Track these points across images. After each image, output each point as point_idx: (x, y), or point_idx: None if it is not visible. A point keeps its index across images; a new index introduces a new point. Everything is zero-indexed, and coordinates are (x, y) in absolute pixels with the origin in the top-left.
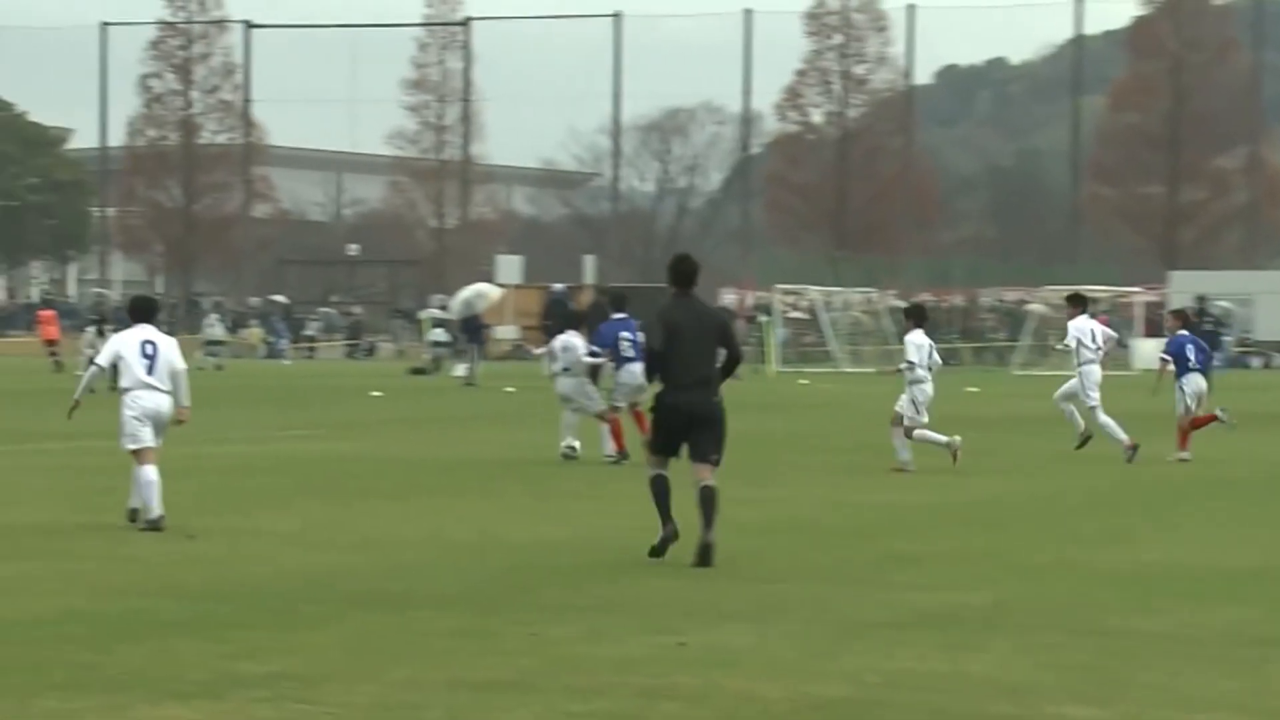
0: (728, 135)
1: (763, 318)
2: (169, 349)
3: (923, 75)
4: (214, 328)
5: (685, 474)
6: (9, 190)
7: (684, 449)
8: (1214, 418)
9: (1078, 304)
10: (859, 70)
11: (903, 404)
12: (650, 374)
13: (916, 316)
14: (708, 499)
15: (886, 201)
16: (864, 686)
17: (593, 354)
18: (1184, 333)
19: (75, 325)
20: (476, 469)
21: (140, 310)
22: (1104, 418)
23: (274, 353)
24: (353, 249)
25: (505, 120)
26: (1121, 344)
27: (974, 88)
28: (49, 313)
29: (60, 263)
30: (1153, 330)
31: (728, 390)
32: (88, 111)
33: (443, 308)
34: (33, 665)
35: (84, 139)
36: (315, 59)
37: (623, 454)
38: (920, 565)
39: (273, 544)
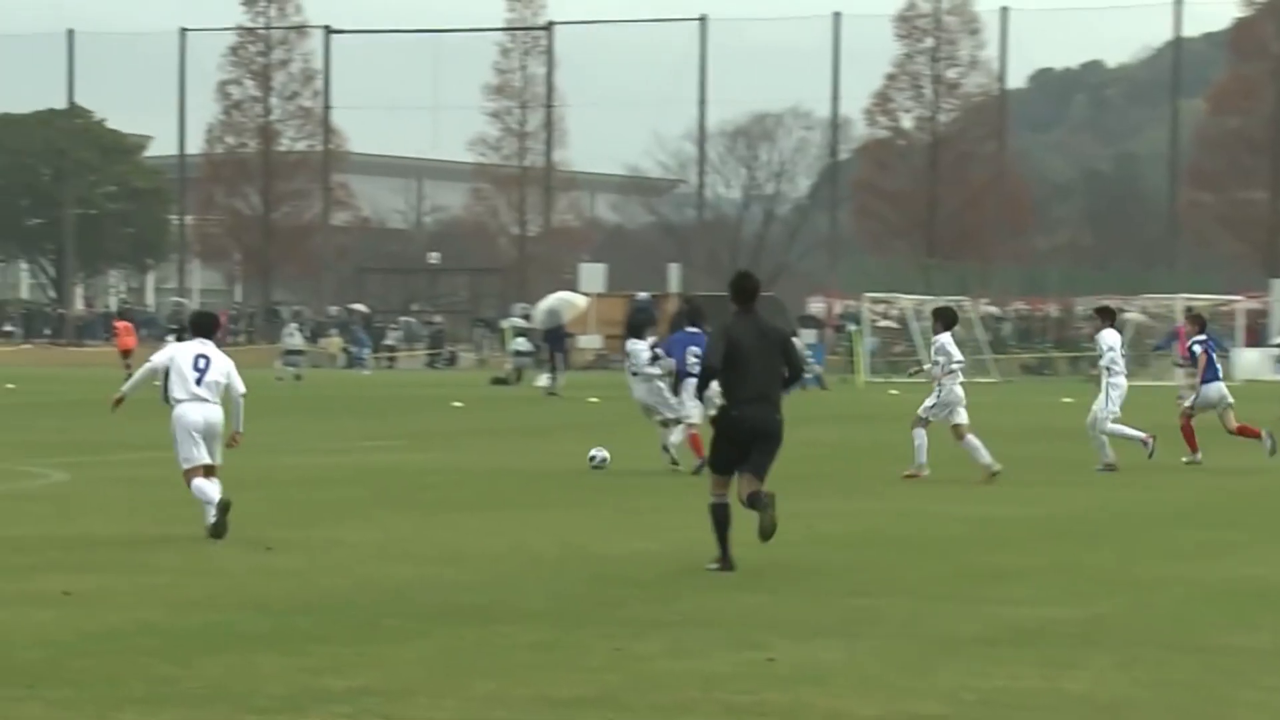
0: (816, 141)
1: (851, 327)
2: (225, 367)
3: (1016, 79)
4: (293, 337)
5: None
6: (87, 198)
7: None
8: (1257, 433)
9: (1107, 316)
10: (951, 74)
11: (929, 405)
12: (701, 389)
13: (946, 319)
14: (757, 499)
15: (978, 208)
16: (959, 705)
17: (654, 360)
18: (1202, 337)
19: (154, 335)
20: (559, 481)
21: (200, 325)
22: (1112, 427)
23: (354, 362)
24: (434, 257)
25: (588, 126)
26: (1223, 353)
27: (1069, 91)
28: (125, 323)
29: (138, 271)
30: (1254, 339)
31: (810, 401)
32: (166, 118)
33: (525, 317)
34: (111, 678)
35: (162, 146)
36: (396, 64)
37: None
38: (1013, 579)
39: (353, 556)
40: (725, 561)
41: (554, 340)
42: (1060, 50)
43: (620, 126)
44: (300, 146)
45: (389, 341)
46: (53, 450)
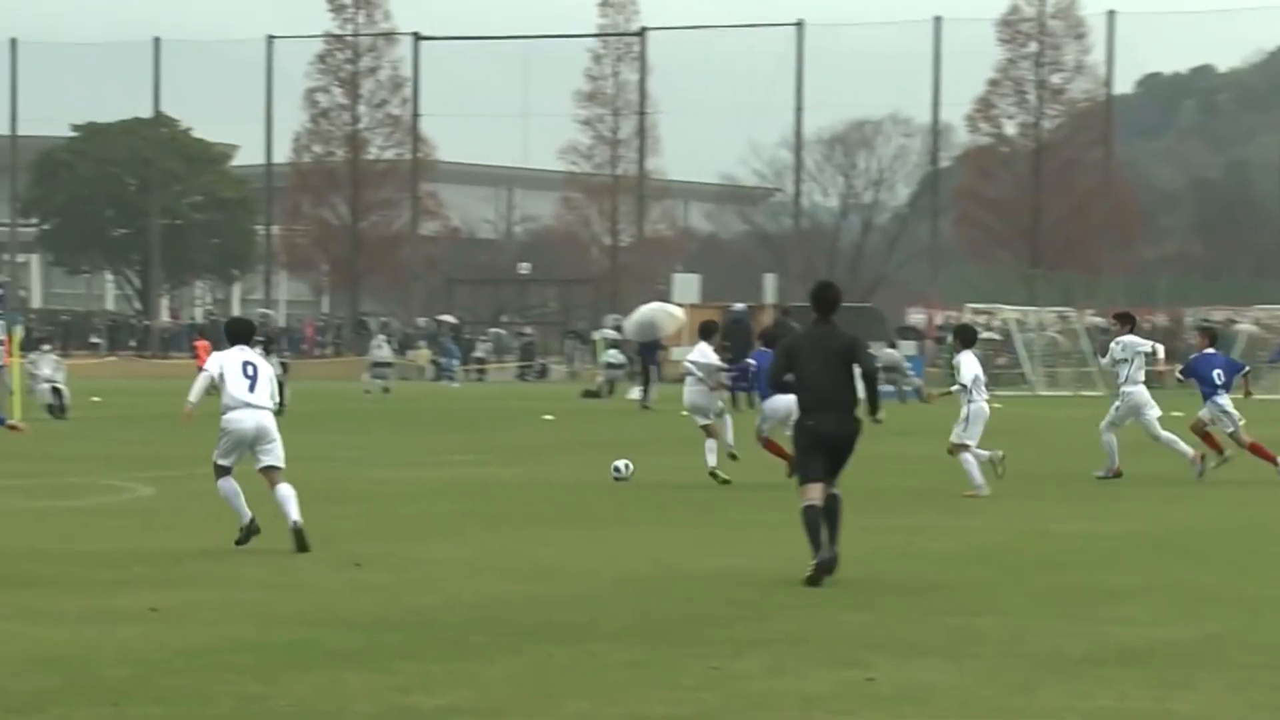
0: (916, 148)
1: (952, 338)
2: (270, 373)
3: (1123, 84)
4: (381, 349)
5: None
6: (173, 208)
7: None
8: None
9: (1127, 322)
10: (1055, 79)
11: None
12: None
13: (965, 337)
14: (832, 509)
15: (1084, 217)
16: None
17: (724, 369)
18: (1212, 351)
19: None
20: (652, 496)
21: (238, 332)
22: (1111, 437)
23: (443, 375)
24: (524, 267)
25: (682, 133)
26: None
27: (1178, 97)
28: (204, 343)
29: (224, 282)
30: None
31: (911, 414)
32: (253, 127)
33: (617, 328)
34: (199, 695)
35: (249, 155)
36: (485, 71)
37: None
38: (1121, 597)
39: (443, 572)
40: (820, 556)
41: (647, 353)
42: (1169, 54)
43: (714, 133)
44: (389, 155)
45: (478, 353)
46: (138, 464)
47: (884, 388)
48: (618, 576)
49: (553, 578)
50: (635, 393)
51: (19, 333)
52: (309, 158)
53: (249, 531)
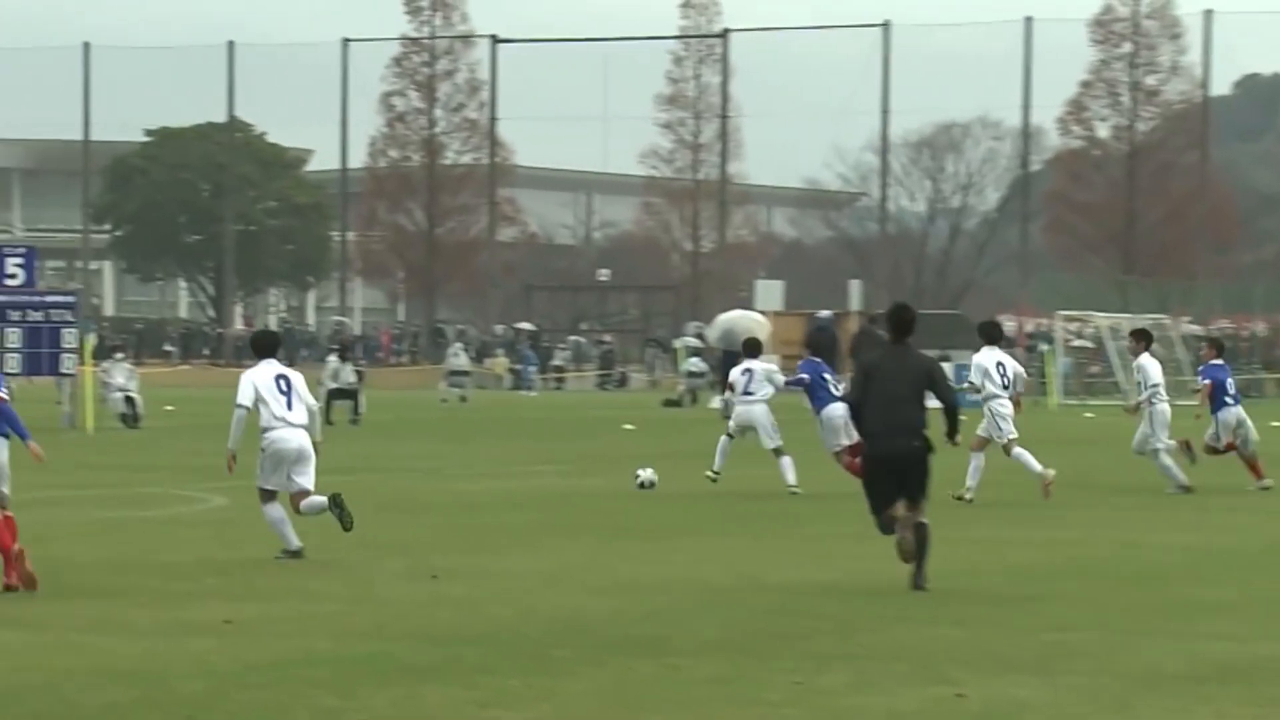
0: (1005, 151)
1: (1043, 347)
2: (302, 385)
3: (1221, 85)
4: (458, 357)
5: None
6: (247, 214)
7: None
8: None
9: (1143, 339)
10: (1150, 81)
11: (987, 427)
12: (856, 423)
13: (988, 335)
14: (921, 537)
15: (1180, 221)
16: None
17: (792, 383)
18: (1219, 363)
19: (314, 356)
20: (735, 507)
21: (264, 346)
22: (1166, 459)
23: (521, 383)
24: (603, 274)
25: (765, 137)
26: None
27: (1278, 98)
28: None
29: (299, 290)
30: None
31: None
32: (328, 132)
33: (699, 336)
34: (274, 710)
35: (324, 160)
36: (564, 74)
37: None
38: (1219, 613)
39: (522, 585)
40: (919, 576)
41: (730, 361)
42: (1269, 54)
43: (798, 137)
44: (465, 160)
45: (557, 362)
46: (211, 474)
47: (971, 397)
48: (698, 589)
49: (633, 590)
50: (717, 402)
51: (92, 341)
52: (385, 162)
53: (291, 556)
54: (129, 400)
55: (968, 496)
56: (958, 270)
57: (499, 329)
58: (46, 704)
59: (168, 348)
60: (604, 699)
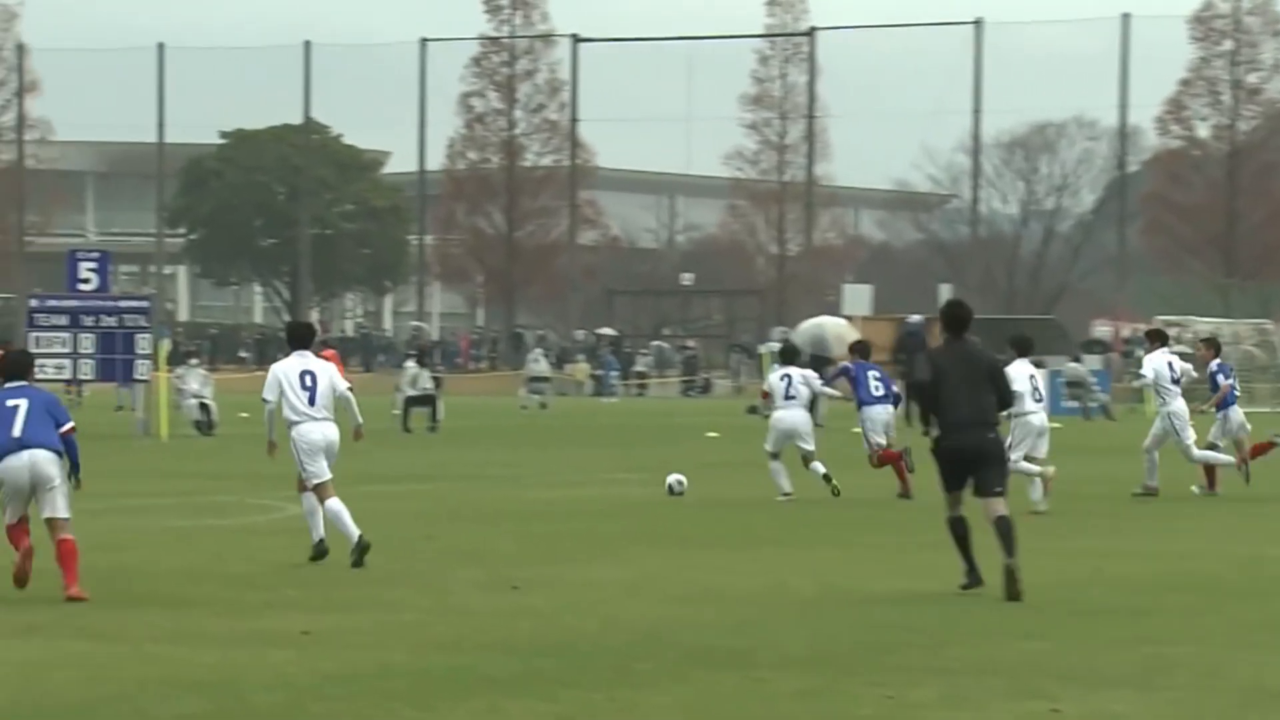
0: (1101, 152)
1: (1140, 352)
2: (329, 375)
3: None
4: (538, 363)
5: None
6: (323, 218)
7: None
8: (1271, 444)
9: (1156, 339)
10: (1252, 79)
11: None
12: (925, 417)
13: (1020, 347)
14: (1004, 530)
15: None
16: None
17: (834, 377)
18: (1219, 362)
19: (392, 361)
20: (819, 516)
21: (298, 337)
22: (1199, 453)
23: (602, 389)
24: (687, 278)
25: (852, 138)
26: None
27: None
28: (331, 351)
29: (376, 294)
30: None
31: (1097, 432)
32: (406, 133)
33: (784, 341)
34: None
35: (401, 162)
36: (647, 74)
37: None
38: None
39: (603, 595)
40: (973, 576)
41: (816, 367)
42: None
43: (887, 138)
44: (546, 161)
45: (639, 367)
46: (287, 482)
47: (1068, 404)
48: (784, 600)
49: (717, 601)
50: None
51: (166, 347)
52: (463, 165)
53: (319, 551)
54: (204, 407)
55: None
56: (1051, 274)
57: (579, 334)
58: (120, 715)
59: (242, 353)
60: (688, 713)
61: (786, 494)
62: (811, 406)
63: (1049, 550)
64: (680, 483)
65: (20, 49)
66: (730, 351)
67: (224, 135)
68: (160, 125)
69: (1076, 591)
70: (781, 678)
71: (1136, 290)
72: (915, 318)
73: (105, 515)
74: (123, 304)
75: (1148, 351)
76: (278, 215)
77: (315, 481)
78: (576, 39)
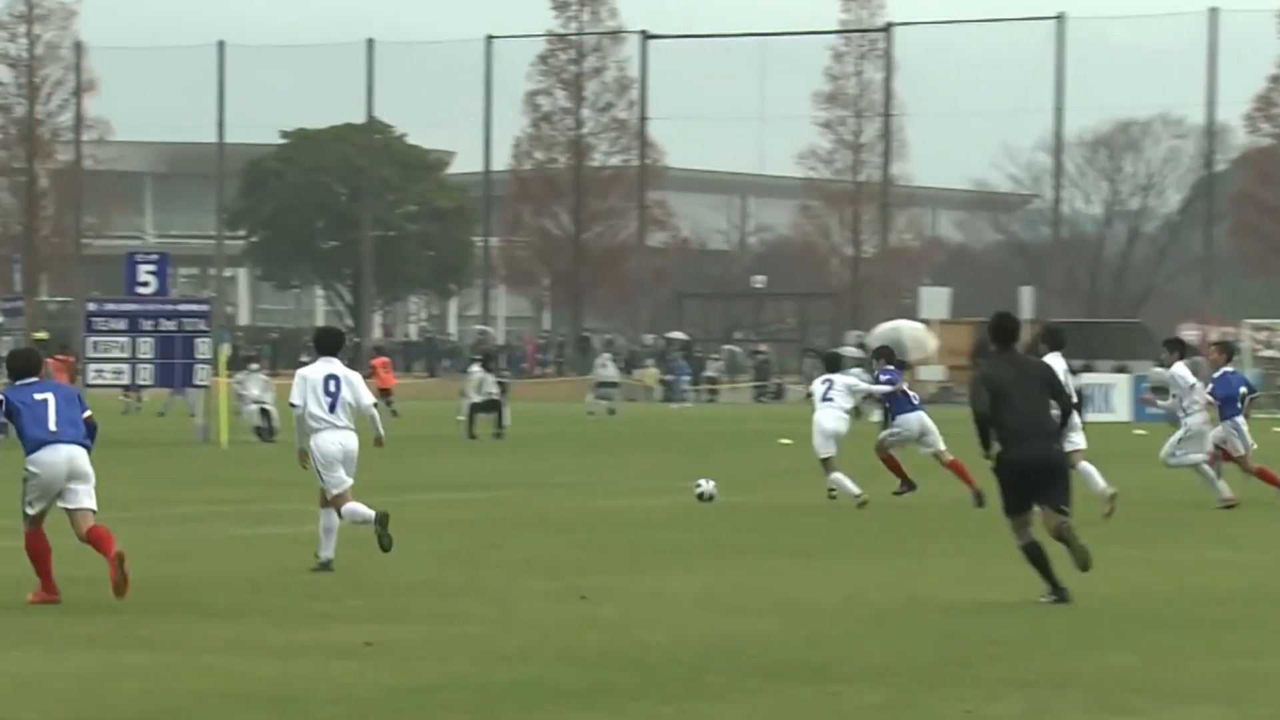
0: (1188, 150)
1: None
2: (353, 384)
3: None
4: (606, 368)
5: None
6: (386, 219)
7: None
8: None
9: (1176, 349)
10: None
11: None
12: (983, 439)
13: (1053, 340)
14: (1065, 534)
15: None
16: None
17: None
18: (1231, 370)
19: (457, 366)
20: (898, 524)
21: (326, 343)
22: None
23: (672, 395)
24: (759, 280)
25: (930, 136)
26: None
27: None
28: (383, 359)
29: (440, 297)
30: None
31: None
32: (470, 132)
33: (860, 345)
34: None
35: (466, 162)
36: (718, 71)
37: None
38: None
39: (673, 606)
40: (1058, 592)
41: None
42: None
43: (965, 136)
44: (614, 161)
45: (710, 372)
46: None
47: (1153, 410)
48: (860, 611)
49: (791, 612)
50: (878, 414)
51: (226, 351)
52: (530, 165)
53: (321, 566)
54: (264, 413)
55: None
56: (1136, 276)
57: (649, 338)
58: None
59: (304, 358)
60: None
61: (857, 496)
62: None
63: (1131, 559)
64: (709, 490)
65: (78, 48)
66: (803, 356)
67: (285, 135)
68: (220, 125)
69: (1160, 603)
70: (858, 691)
71: (1224, 293)
72: None
73: (164, 523)
74: (182, 308)
75: (1168, 362)
76: (340, 217)
77: (335, 491)
78: (646, 35)
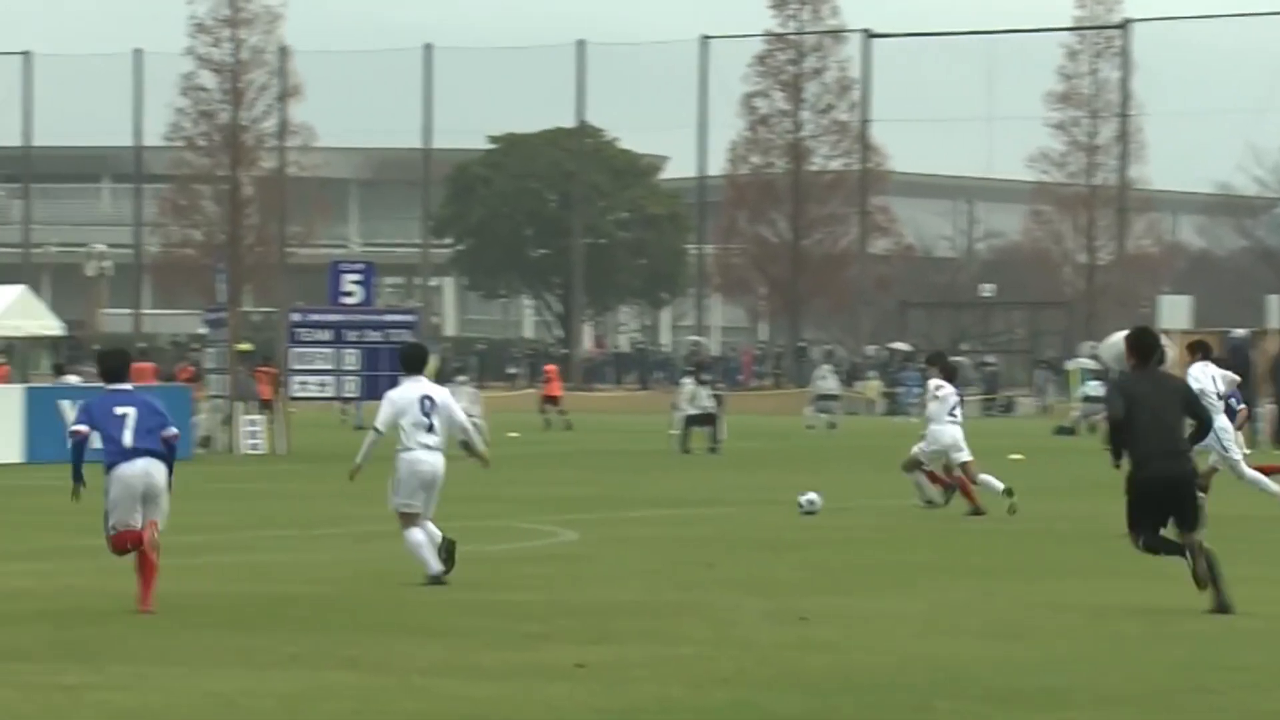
0: None
1: None
2: (447, 403)
3: None
4: (825, 380)
5: None
6: (597, 226)
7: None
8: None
9: (1197, 350)
10: None
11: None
12: (1116, 450)
13: (1204, 350)
14: (1210, 561)
15: None
16: None
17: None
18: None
19: (669, 378)
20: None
21: (413, 361)
22: (1252, 473)
23: (896, 408)
24: (987, 289)
25: (1170, 137)
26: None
27: None
28: (553, 366)
29: (652, 307)
30: None
31: None
32: (684, 136)
33: (1094, 357)
34: None
35: (680, 167)
36: (944, 71)
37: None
38: None
39: (898, 628)
40: (1221, 598)
41: None
42: None
43: (1207, 137)
44: (834, 165)
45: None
46: (559, 506)
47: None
48: (1098, 635)
49: (1023, 635)
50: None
51: (433, 363)
52: (746, 169)
53: (434, 582)
54: (472, 427)
55: None
56: None
57: (870, 349)
58: None
59: (511, 370)
60: None
61: (1004, 492)
62: None
63: None
64: (811, 502)
65: (283, 52)
66: (1035, 368)
67: (493, 140)
68: (427, 130)
69: None
70: (1099, 719)
71: None
72: (1240, 332)
73: (373, 540)
74: (387, 318)
75: (1188, 364)
76: (549, 224)
77: (405, 511)
78: (868, 34)
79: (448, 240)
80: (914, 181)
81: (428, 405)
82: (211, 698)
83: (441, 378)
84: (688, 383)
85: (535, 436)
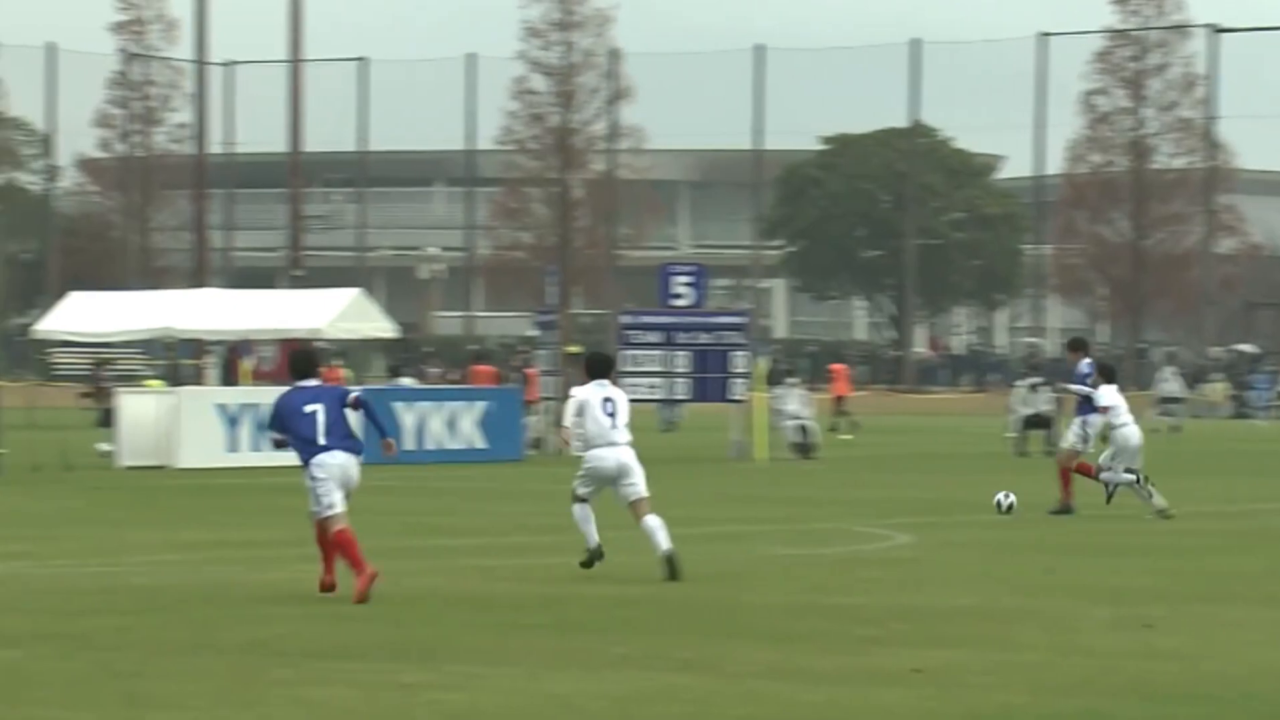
0: None
1: None
2: (627, 405)
3: None
4: (1169, 383)
5: None
6: (931, 227)
7: None
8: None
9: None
10: None
11: None
12: None
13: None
14: None
15: None
16: None
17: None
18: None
19: (1005, 379)
20: None
21: (598, 366)
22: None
23: (1244, 411)
24: None
25: None
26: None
27: None
28: (841, 366)
29: (986, 308)
30: None
31: None
32: (1021, 135)
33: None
34: None
35: (1016, 166)
36: None
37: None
38: None
39: (1247, 637)
40: None
41: None
42: None
43: None
44: (1178, 164)
45: None
46: (892, 509)
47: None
48: None
49: None
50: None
51: (764, 365)
52: (1085, 168)
53: (594, 556)
54: (803, 429)
55: None
56: None
57: (1215, 351)
58: None
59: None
60: None
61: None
62: None
63: None
64: (1008, 500)
65: (613, 55)
66: None
67: (825, 140)
68: (758, 131)
69: None
70: None
71: None
72: None
73: (704, 542)
74: (718, 320)
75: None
76: (881, 225)
77: (581, 493)
78: (1215, 29)
79: (778, 242)
80: (1263, 179)
81: (610, 406)
82: (551, 699)
83: (772, 379)
84: (1020, 386)
85: (870, 439)
